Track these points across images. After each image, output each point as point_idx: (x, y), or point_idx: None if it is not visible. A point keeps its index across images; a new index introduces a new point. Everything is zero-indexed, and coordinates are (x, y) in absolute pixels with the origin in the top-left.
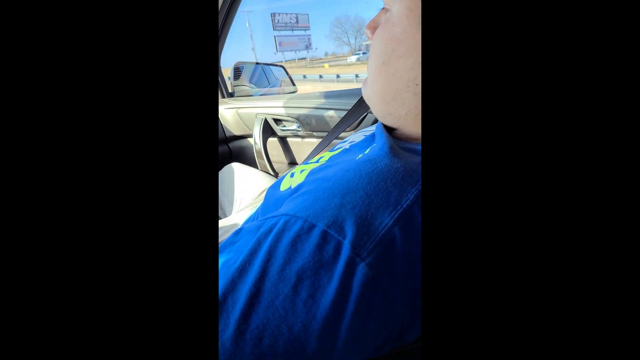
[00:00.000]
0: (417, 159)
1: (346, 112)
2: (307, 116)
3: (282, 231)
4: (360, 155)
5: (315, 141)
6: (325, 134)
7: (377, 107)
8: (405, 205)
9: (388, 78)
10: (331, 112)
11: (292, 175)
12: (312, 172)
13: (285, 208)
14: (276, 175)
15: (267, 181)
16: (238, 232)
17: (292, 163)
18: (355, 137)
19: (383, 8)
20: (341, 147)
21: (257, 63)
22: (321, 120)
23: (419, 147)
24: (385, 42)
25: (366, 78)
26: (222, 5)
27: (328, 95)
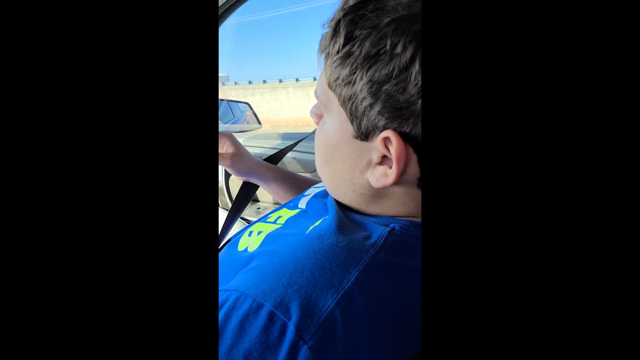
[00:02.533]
0: (362, 234)
1: (306, 154)
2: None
3: (232, 309)
4: (311, 228)
5: None
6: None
7: (327, 189)
8: (346, 287)
9: (330, 174)
10: (288, 154)
11: (249, 234)
12: (267, 239)
13: (237, 281)
14: None
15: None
16: None
17: (254, 200)
18: (316, 193)
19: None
20: (300, 208)
21: (222, 99)
22: (280, 162)
23: (366, 221)
24: (324, 145)
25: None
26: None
27: (289, 137)
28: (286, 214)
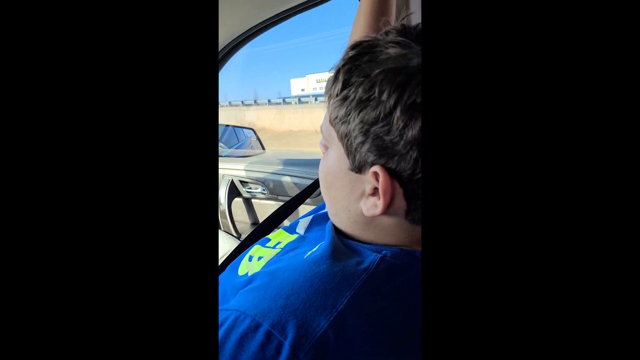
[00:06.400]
0: (356, 259)
1: (306, 179)
2: (271, 181)
3: (232, 327)
4: (309, 253)
5: (275, 204)
6: (286, 197)
7: (328, 213)
8: (339, 309)
9: (330, 200)
10: (289, 179)
11: (250, 259)
12: (267, 264)
13: (237, 301)
14: (239, 236)
15: (229, 243)
16: None
17: (255, 224)
18: (314, 217)
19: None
20: (299, 233)
21: (227, 125)
22: (280, 185)
23: (360, 247)
24: (326, 173)
25: None
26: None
27: (291, 162)
28: (285, 238)
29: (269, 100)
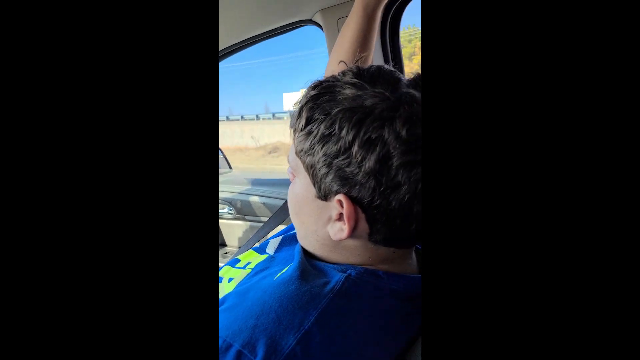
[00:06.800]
0: (323, 279)
1: (274, 199)
2: (239, 201)
3: None
4: (278, 275)
5: (243, 224)
6: (254, 217)
7: (297, 237)
8: (306, 327)
9: (300, 224)
10: (257, 199)
11: (220, 281)
12: (239, 285)
13: None
14: None
15: None
16: None
17: (222, 244)
18: (284, 238)
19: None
20: (268, 253)
21: None
22: (248, 205)
23: (326, 267)
24: (294, 202)
25: None
26: None
27: (259, 182)
28: (255, 259)
29: (273, 115)
